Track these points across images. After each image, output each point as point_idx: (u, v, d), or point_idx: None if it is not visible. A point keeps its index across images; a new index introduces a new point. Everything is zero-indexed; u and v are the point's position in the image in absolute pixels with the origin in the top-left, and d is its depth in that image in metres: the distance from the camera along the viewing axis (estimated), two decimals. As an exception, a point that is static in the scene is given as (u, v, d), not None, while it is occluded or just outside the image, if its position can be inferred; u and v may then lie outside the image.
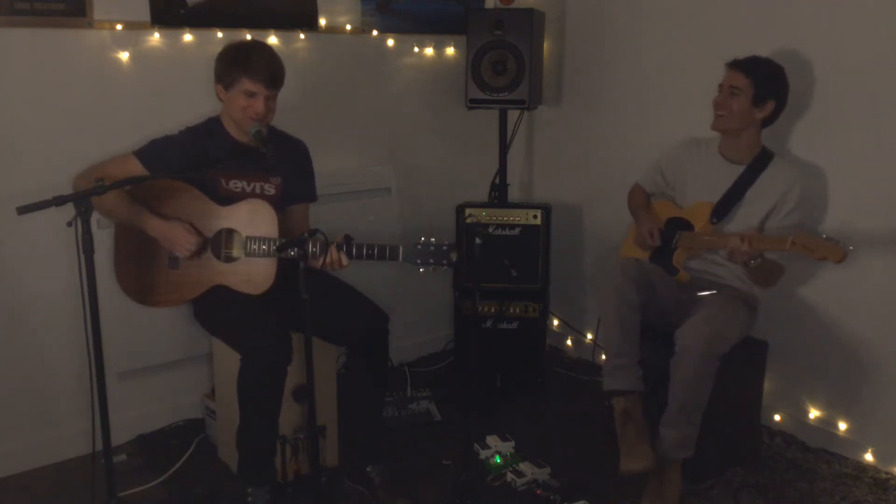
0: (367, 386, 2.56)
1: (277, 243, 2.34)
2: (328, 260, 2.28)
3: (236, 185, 2.46)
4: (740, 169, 2.59)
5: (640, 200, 2.90)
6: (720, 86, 2.58)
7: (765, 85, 2.50)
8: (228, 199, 2.44)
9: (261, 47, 2.43)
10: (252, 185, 2.49)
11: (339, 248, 2.29)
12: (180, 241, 2.35)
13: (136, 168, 2.38)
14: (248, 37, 2.90)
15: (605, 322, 2.57)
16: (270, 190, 2.52)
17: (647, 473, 2.44)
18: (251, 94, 2.36)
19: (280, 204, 2.55)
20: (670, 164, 2.82)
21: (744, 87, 2.50)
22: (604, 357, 2.61)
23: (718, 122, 2.59)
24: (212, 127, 2.50)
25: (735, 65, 2.54)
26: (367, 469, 2.56)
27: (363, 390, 2.57)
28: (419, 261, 2.28)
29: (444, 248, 2.28)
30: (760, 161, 2.58)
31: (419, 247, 2.28)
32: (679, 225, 2.69)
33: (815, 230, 2.70)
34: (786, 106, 2.55)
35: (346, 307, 2.50)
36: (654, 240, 2.70)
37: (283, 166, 2.52)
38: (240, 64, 2.35)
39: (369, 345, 2.51)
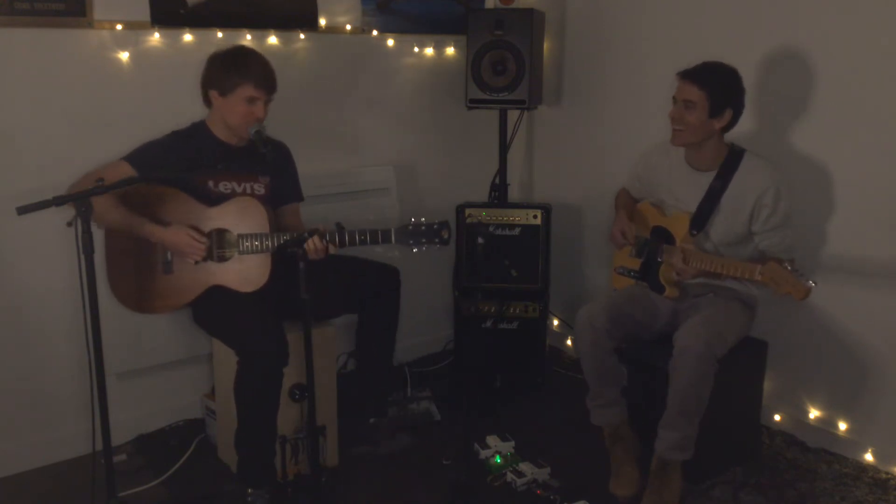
0: (379, 339, 2.65)
1: (273, 239, 2.36)
2: (309, 248, 2.29)
3: (226, 186, 2.47)
4: (710, 176, 2.52)
5: (624, 197, 2.85)
6: (674, 98, 2.47)
7: (720, 96, 2.40)
8: (217, 200, 2.45)
9: (254, 53, 2.45)
10: (242, 185, 2.50)
11: (331, 236, 2.31)
12: (186, 244, 2.36)
13: (130, 173, 2.37)
14: (249, 37, 2.91)
15: (582, 366, 2.63)
16: (260, 190, 2.53)
17: (648, 475, 2.46)
18: (253, 101, 2.38)
19: (269, 204, 2.57)
20: (644, 171, 2.76)
21: (698, 99, 2.39)
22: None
23: (677, 138, 2.50)
24: (197, 131, 2.51)
25: (687, 76, 2.42)
26: (371, 421, 2.61)
27: (375, 343, 2.65)
28: (412, 241, 2.30)
29: (436, 226, 2.30)
30: (730, 163, 2.49)
31: (410, 228, 2.30)
32: (662, 234, 2.63)
33: (802, 228, 2.71)
34: (744, 109, 2.47)
35: (352, 272, 2.54)
36: (627, 238, 2.66)
37: (271, 167, 2.55)
38: (241, 71, 2.37)
39: (382, 296, 2.58)
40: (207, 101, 2.47)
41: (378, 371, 2.75)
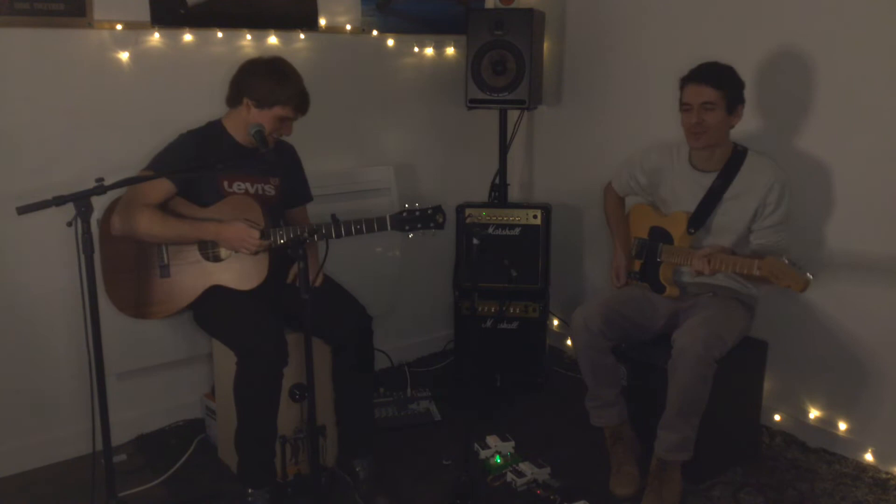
0: (353, 383, 2.57)
1: (270, 234, 2.36)
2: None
3: (239, 186, 2.47)
4: (712, 177, 2.53)
5: (615, 211, 2.87)
6: (686, 104, 2.47)
7: (734, 93, 2.46)
8: (214, 201, 2.44)
9: (296, 74, 2.44)
10: (255, 186, 2.50)
11: (327, 228, 2.30)
12: (247, 236, 2.33)
13: (160, 181, 2.34)
14: (249, 37, 2.91)
15: (580, 367, 2.64)
16: (271, 191, 2.53)
17: (648, 475, 2.46)
18: (285, 120, 2.42)
19: (279, 204, 2.57)
20: (644, 172, 2.75)
21: (716, 100, 2.43)
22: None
23: (699, 141, 2.49)
24: (213, 130, 2.50)
25: (700, 79, 2.45)
26: (354, 463, 2.57)
27: (349, 387, 2.57)
28: (407, 227, 2.30)
29: (430, 210, 2.29)
30: (733, 163, 2.52)
31: (405, 214, 2.30)
32: (660, 234, 2.63)
33: (801, 225, 2.71)
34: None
35: (333, 307, 2.49)
36: (620, 279, 2.75)
37: (280, 167, 2.55)
38: (285, 91, 2.37)
39: (354, 344, 2.52)
40: (234, 102, 2.45)
41: (351, 423, 2.61)
